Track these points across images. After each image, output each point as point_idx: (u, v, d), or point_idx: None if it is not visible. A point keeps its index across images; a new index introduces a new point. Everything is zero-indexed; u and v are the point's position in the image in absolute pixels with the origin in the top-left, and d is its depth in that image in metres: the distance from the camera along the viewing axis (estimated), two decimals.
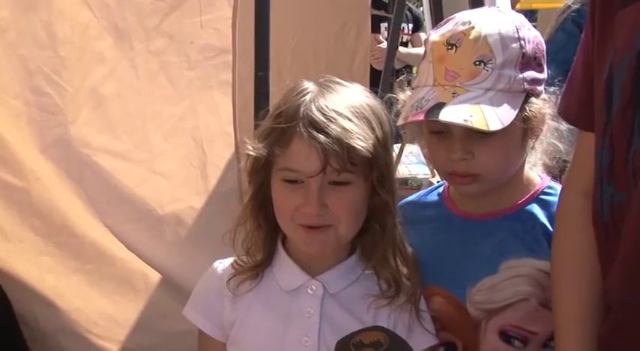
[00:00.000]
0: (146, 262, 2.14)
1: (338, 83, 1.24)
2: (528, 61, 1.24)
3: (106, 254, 2.13)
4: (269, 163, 1.22)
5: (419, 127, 1.31)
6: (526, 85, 1.23)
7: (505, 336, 1.26)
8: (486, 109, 1.18)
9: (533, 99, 1.24)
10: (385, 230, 1.24)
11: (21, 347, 2.04)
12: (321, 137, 1.15)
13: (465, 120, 1.17)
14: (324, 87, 1.22)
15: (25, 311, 2.06)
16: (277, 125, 1.20)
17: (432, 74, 1.24)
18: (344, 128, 1.16)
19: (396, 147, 3.16)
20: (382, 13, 3.74)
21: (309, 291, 1.24)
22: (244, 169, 1.26)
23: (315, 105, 1.18)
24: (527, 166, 1.33)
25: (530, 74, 1.24)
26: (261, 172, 1.23)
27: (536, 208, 1.29)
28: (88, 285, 2.13)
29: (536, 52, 1.25)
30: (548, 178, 1.34)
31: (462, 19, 1.25)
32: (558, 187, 1.29)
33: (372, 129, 1.20)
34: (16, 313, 2.04)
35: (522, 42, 1.23)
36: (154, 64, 2.01)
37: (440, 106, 1.19)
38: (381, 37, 3.96)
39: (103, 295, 2.14)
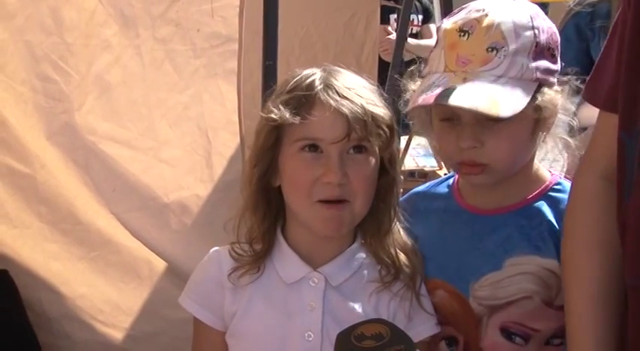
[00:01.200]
0: (151, 250, 2.14)
1: (340, 67, 1.26)
2: (542, 51, 1.22)
3: (111, 242, 2.14)
4: (278, 142, 1.21)
5: (427, 116, 1.30)
6: (539, 75, 1.21)
7: (506, 332, 1.25)
8: (497, 95, 1.17)
9: (545, 89, 1.22)
10: (390, 210, 1.25)
11: (27, 332, 2.05)
12: (346, 102, 1.16)
13: (475, 105, 1.16)
14: (327, 68, 1.24)
15: (31, 297, 2.07)
16: (295, 93, 1.20)
17: (443, 61, 1.23)
18: (366, 96, 1.18)
19: (404, 139, 3.15)
20: (391, 3, 3.71)
21: (311, 283, 1.23)
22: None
23: (331, 76, 1.21)
24: (536, 161, 1.31)
25: (543, 64, 1.22)
26: (269, 152, 1.22)
27: (544, 206, 1.27)
28: (93, 272, 2.14)
29: (549, 43, 1.23)
30: (559, 174, 1.32)
31: (475, 7, 1.24)
32: (568, 183, 1.27)
33: (386, 105, 1.22)
34: (23, 299, 2.05)
35: (536, 31, 1.21)
36: (160, 51, 2.01)
37: (450, 90, 1.18)
38: (390, 29, 3.94)
39: (108, 282, 2.14)
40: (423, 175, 3.26)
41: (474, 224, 1.29)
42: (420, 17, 4.26)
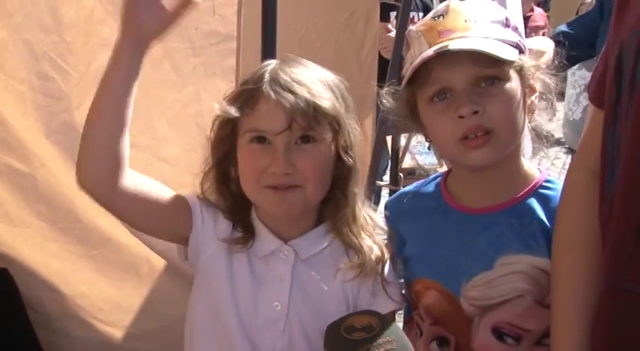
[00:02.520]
0: (150, 248, 2.14)
1: (302, 60, 1.30)
2: (514, 28, 1.26)
3: (110, 240, 2.14)
4: (234, 133, 1.26)
5: (409, 109, 1.29)
6: (518, 41, 1.25)
7: (498, 333, 1.25)
8: (491, 44, 1.20)
9: (524, 57, 1.25)
10: (346, 197, 1.28)
11: (27, 330, 2.05)
12: (288, 95, 1.20)
13: (477, 48, 1.18)
14: (287, 60, 1.29)
15: (32, 295, 2.08)
16: (244, 87, 1.25)
17: (425, 43, 1.24)
18: (309, 88, 1.22)
19: (404, 137, 3.15)
20: (391, 1, 3.71)
21: (282, 256, 1.28)
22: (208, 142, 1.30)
23: (281, 70, 1.25)
24: (523, 159, 1.30)
25: (518, 36, 1.26)
26: (225, 141, 1.27)
27: (534, 203, 1.26)
28: (93, 270, 2.14)
29: (517, 26, 1.28)
30: (548, 172, 1.32)
31: (441, 4, 1.30)
32: (558, 181, 1.26)
33: (336, 96, 1.25)
34: (23, 297, 2.06)
35: (502, 10, 1.28)
36: (158, 50, 2.00)
37: (445, 46, 1.20)
38: (390, 26, 3.93)
39: (108, 280, 2.14)
40: (424, 175, 3.26)
41: (463, 224, 1.28)
42: (421, 14, 4.26)
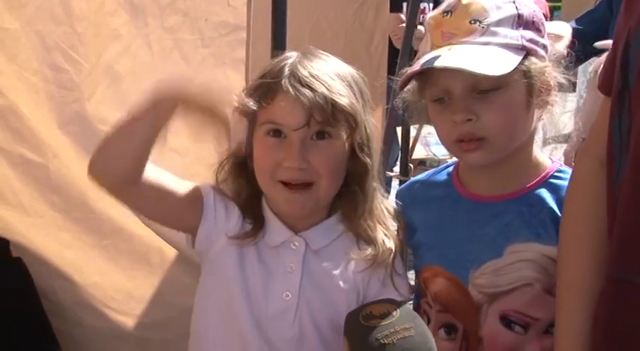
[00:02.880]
0: (162, 238, 2.16)
1: (322, 53, 1.29)
2: (526, 23, 1.23)
3: (123, 230, 2.16)
4: (252, 124, 1.26)
5: (422, 102, 1.30)
6: (525, 42, 1.22)
7: (506, 321, 1.25)
8: (483, 57, 1.18)
9: (533, 58, 1.22)
10: (365, 193, 1.28)
11: (41, 319, 2.08)
12: (307, 91, 1.20)
13: (461, 66, 1.17)
14: (307, 53, 1.28)
15: (45, 285, 2.10)
16: (263, 80, 1.25)
17: (429, 41, 1.25)
18: (328, 85, 1.22)
19: (414, 128, 3.14)
20: None
21: (292, 247, 1.28)
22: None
23: (300, 64, 1.24)
24: (535, 148, 1.30)
25: (529, 33, 1.23)
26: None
27: (544, 192, 1.26)
28: (106, 260, 2.16)
29: (534, 17, 1.24)
30: (559, 162, 1.31)
31: None
32: (569, 170, 1.26)
33: (354, 92, 1.25)
34: (37, 286, 2.08)
35: (517, 5, 1.24)
36: (169, 41, 2.02)
37: (435, 58, 1.19)
38: (403, 16, 3.92)
39: (120, 270, 2.16)
40: (435, 165, 3.25)
41: (473, 212, 1.29)
42: (431, 5, 4.24)
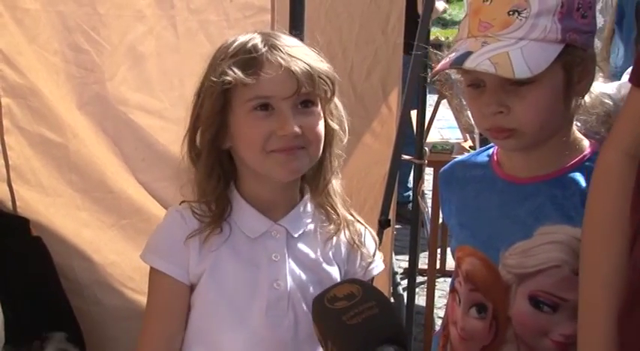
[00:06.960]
0: None
1: (276, 32, 1.32)
2: (569, 12, 1.20)
3: (141, 210, 2.17)
4: (227, 105, 1.26)
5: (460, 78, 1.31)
6: (565, 36, 1.19)
7: (535, 301, 1.26)
8: (514, 56, 1.16)
9: (574, 50, 1.20)
10: (331, 161, 1.32)
11: (60, 297, 2.10)
12: (294, 60, 1.23)
13: (487, 68, 1.16)
14: (268, 32, 1.31)
15: (64, 263, 2.11)
16: (241, 56, 1.25)
17: (467, 27, 1.25)
18: (307, 53, 1.26)
19: (429, 112, 3.12)
20: None
21: (274, 235, 1.31)
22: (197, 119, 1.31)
23: (272, 38, 1.27)
24: (575, 128, 1.29)
25: (571, 24, 1.20)
26: (218, 116, 1.27)
27: (579, 176, 1.26)
28: (123, 240, 2.17)
29: (579, 3, 1.21)
30: (598, 144, 1.29)
31: None
32: None
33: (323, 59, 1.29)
34: (56, 265, 2.10)
35: None
36: (194, 22, 2.01)
37: (466, 55, 1.19)
38: None
39: (138, 249, 2.16)
40: (448, 149, 3.25)
41: (506, 193, 1.30)
42: None
